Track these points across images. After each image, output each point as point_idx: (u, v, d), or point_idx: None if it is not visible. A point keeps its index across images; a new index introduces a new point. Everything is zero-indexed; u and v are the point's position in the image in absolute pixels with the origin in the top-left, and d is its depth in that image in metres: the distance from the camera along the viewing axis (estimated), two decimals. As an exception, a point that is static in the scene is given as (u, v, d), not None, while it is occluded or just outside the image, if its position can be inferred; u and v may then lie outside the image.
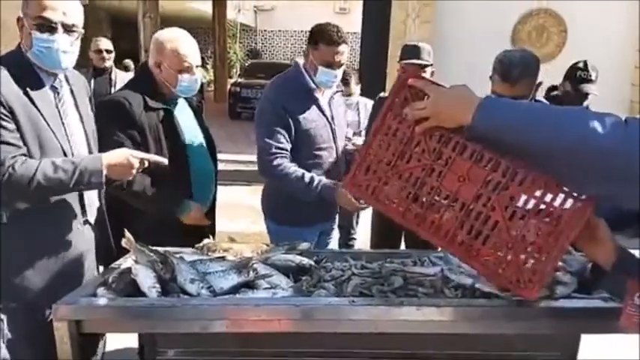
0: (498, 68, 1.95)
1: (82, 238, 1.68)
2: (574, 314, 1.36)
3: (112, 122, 1.83)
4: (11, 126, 1.46)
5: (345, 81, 3.34)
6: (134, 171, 1.61)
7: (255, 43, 21.21)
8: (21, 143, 1.48)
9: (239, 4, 17.63)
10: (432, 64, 2.73)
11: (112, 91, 3.95)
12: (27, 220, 1.55)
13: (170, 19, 14.15)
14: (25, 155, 1.48)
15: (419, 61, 2.66)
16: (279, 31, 21.86)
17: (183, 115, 2.01)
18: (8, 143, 1.45)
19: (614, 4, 6.35)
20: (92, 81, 3.91)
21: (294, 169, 2.05)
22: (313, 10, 18.97)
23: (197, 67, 1.94)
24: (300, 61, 2.16)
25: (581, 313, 1.36)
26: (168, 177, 1.86)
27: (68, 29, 1.55)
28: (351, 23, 13.19)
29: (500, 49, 2.05)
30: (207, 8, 14.34)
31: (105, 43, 4.09)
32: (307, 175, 2.04)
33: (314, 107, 2.12)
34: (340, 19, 19.48)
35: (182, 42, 1.92)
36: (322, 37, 2.03)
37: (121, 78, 4.15)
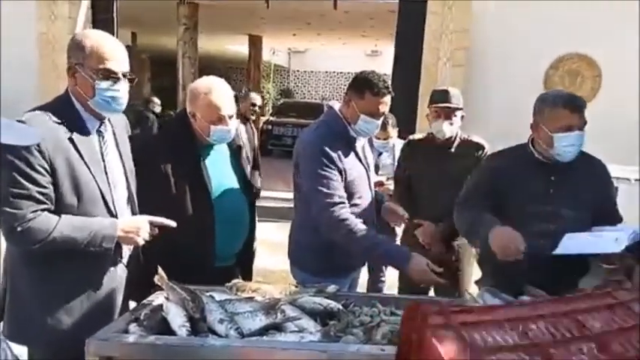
0: (559, 102, 1.88)
1: (114, 277, 1.72)
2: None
3: (138, 166, 1.85)
4: (45, 179, 1.52)
5: (382, 125, 3.37)
6: (140, 240, 1.67)
7: (288, 83, 21.78)
8: (46, 199, 1.53)
9: (274, 46, 18.22)
10: (462, 108, 2.74)
11: (255, 140, 4.46)
12: (57, 260, 1.60)
13: (208, 59, 14.75)
14: (48, 210, 1.54)
15: (448, 105, 2.68)
16: (311, 72, 22.44)
17: (218, 160, 2.02)
18: (32, 198, 1.51)
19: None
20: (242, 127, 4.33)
21: (360, 226, 1.94)
22: (345, 53, 19.46)
23: (231, 117, 1.94)
24: (335, 105, 2.14)
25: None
26: (190, 229, 1.86)
27: (126, 77, 1.65)
28: (382, 65, 13.43)
29: (532, 94, 2.04)
30: (243, 49, 14.87)
31: (258, 99, 4.53)
32: (371, 234, 1.97)
33: (353, 155, 2.09)
34: (372, 61, 19.84)
35: (215, 93, 1.92)
36: (369, 86, 1.99)
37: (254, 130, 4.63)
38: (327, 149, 1.98)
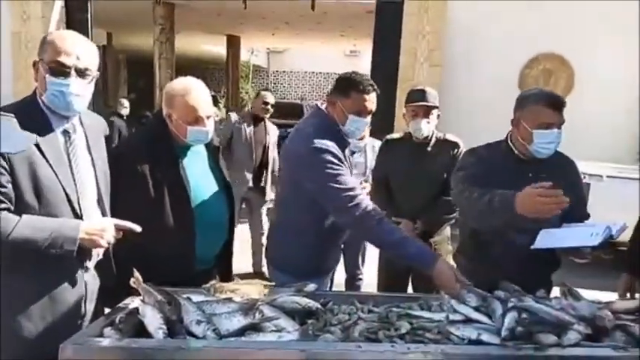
0: (540, 99, 1.91)
1: (80, 283, 1.67)
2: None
3: (114, 172, 1.81)
4: (4, 178, 1.48)
5: None
6: (104, 242, 1.61)
7: (267, 83, 21.70)
8: (5, 198, 1.49)
9: (253, 46, 18.14)
10: (438, 107, 2.78)
11: (267, 139, 4.46)
12: (26, 267, 1.56)
13: (185, 60, 14.61)
14: (8, 210, 1.49)
15: (425, 103, 2.71)
16: (291, 72, 22.42)
17: (196, 162, 2.00)
18: None
19: (621, 47, 6.46)
20: (252, 125, 4.40)
21: (385, 222, 1.91)
22: (324, 53, 19.50)
23: (208, 117, 1.91)
24: (321, 106, 2.10)
25: (590, 362, 1.34)
26: (169, 232, 1.85)
27: (81, 73, 1.59)
28: (362, 65, 13.50)
29: (507, 93, 2.08)
30: (221, 50, 14.78)
31: (271, 97, 4.50)
32: (399, 231, 1.95)
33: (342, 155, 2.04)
34: (350, 61, 19.93)
35: (192, 94, 1.89)
36: (354, 85, 1.98)
37: (271, 128, 4.61)
38: (329, 147, 1.93)
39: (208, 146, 2.06)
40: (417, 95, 2.78)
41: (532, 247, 1.83)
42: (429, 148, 2.79)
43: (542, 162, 1.97)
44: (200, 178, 1.97)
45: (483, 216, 1.88)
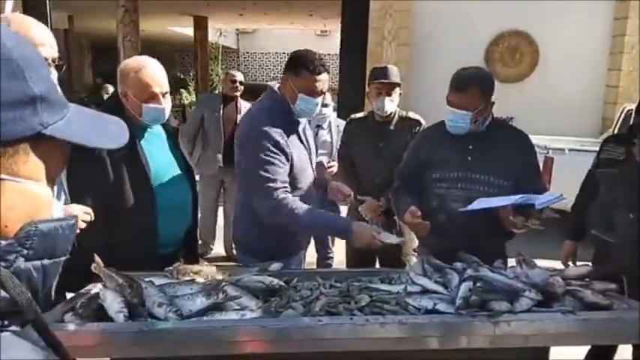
0: (452, 80, 2.05)
1: None
2: (532, 327, 1.40)
3: (72, 155, 1.79)
4: None
5: None
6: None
7: (238, 65, 21.37)
8: None
9: (221, 27, 17.81)
10: (399, 84, 2.80)
11: (238, 117, 4.27)
12: None
13: (151, 42, 14.24)
14: None
15: (388, 80, 2.74)
16: (262, 53, 22.11)
17: (155, 143, 1.97)
18: None
19: (585, 24, 6.60)
20: (222, 106, 4.31)
21: (298, 203, 1.92)
22: (294, 33, 19.27)
23: (164, 95, 1.89)
24: (274, 86, 2.08)
25: (539, 326, 1.40)
26: (131, 215, 1.84)
27: (55, 63, 1.58)
28: (332, 46, 13.40)
29: (489, 72, 2.14)
30: (188, 31, 14.46)
31: (239, 76, 4.45)
32: (316, 212, 1.97)
33: (295, 136, 2.06)
34: (321, 41, 19.75)
35: (146, 70, 1.86)
36: (305, 64, 1.96)
37: (245, 106, 4.46)
38: (270, 132, 1.94)
39: (167, 128, 2.03)
40: (379, 73, 2.79)
41: (461, 209, 1.94)
42: (391, 127, 2.82)
43: (485, 135, 2.05)
44: (159, 159, 1.94)
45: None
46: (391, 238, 1.83)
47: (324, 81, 2.00)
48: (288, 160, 1.97)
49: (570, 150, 5.17)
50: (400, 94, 2.81)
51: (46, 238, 0.55)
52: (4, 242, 0.53)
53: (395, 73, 2.78)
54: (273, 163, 1.92)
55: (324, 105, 3.44)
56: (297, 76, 1.98)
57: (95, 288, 1.57)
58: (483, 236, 1.92)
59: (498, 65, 6.82)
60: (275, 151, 1.93)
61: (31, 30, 1.53)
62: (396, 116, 2.82)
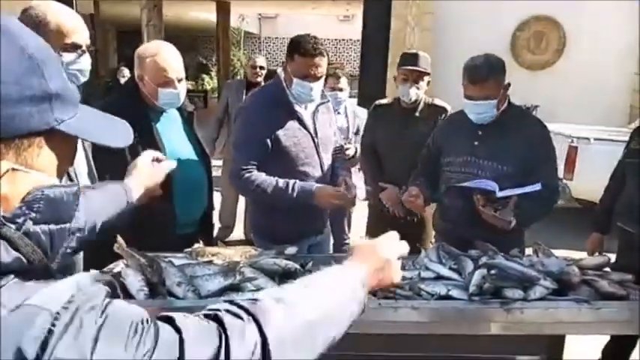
0: (465, 73, 2.03)
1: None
2: (545, 315, 1.40)
3: None
4: None
5: (335, 75, 3.34)
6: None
7: (259, 50, 21.38)
8: None
9: (243, 12, 17.79)
10: (429, 73, 2.74)
11: None
12: None
13: (173, 27, 14.33)
14: None
15: (417, 68, 2.67)
16: (283, 38, 22.06)
17: (170, 127, 2.02)
18: None
19: (613, 10, 6.40)
20: (244, 92, 4.28)
21: (263, 177, 2.02)
22: (317, 18, 19.14)
23: (180, 80, 1.93)
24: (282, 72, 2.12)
25: (553, 314, 1.40)
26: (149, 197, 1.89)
27: (89, 49, 1.66)
28: (355, 31, 13.25)
29: (499, 56, 2.11)
30: (210, 16, 14.49)
31: (260, 61, 4.44)
32: (281, 181, 2.01)
33: (295, 122, 2.07)
34: (344, 26, 19.60)
35: (162, 56, 1.90)
36: (297, 48, 1.98)
37: None
38: (253, 114, 2.03)
39: (182, 112, 2.07)
40: (408, 59, 2.71)
41: (453, 185, 2.02)
42: (416, 114, 2.76)
43: (497, 121, 2.05)
44: (175, 142, 1.99)
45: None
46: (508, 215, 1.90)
47: (318, 65, 1.99)
48: (264, 144, 2.02)
49: (596, 139, 5.05)
50: (429, 82, 2.74)
51: (52, 203, 0.59)
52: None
53: (425, 61, 2.70)
54: (249, 144, 2.04)
55: (339, 89, 3.43)
56: (292, 60, 2.01)
57: (118, 267, 1.62)
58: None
59: (524, 52, 6.69)
60: (255, 133, 2.02)
61: (64, 18, 1.58)
62: (422, 103, 2.76)
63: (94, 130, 0.67)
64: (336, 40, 21.22)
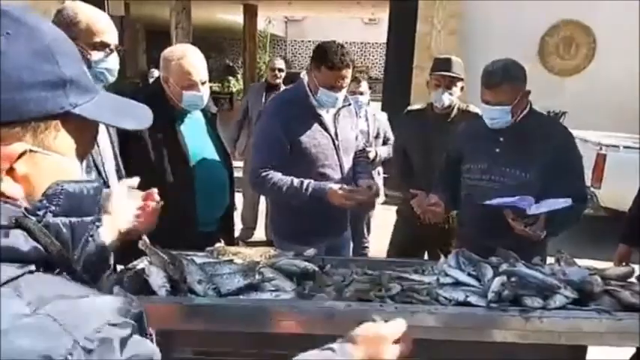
0: (482, 77, 2.02)
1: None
2: (565, 324, 1.38)
3: (121, 139, 1.89)
4: None
5: (356, 79, 3.38)
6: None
7: (285, 53, 21.52)
8: None
9: (270, 15, 17.95)
10: (462, 79, 2.68)
11: None
12: None
13: (201, 29, 14.55)
14: None
15: (450, 74, 2.62)
16: (309, 41, 22.14)
17: (194, 127, 2.07)
18: None
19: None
20: (264, 94, 4.39)
21: (279, 176, 2.05)
22: (343, 21, 19.17)
23: (203, 83, 1.98)
24: (306, 76, 2.15)
25: (572, 324, 1.39)
26: (170, 194, 1.93)
27: (118, 49, 1.71)
28: (380, 34, 13.23)
29: (527, 62, 2.09)
30: (238, 19, 14.67)
31: (279, 63, 4.55)
32: (296, 180, 2.04)
33: (316, 125, 2.12)
34: (370, 30, 19.59)
35: (187, 59, 1.95)
36: (325, 60, 2.01)
37: None
38: (274, 117, 2.07)
39: (206, 114, 2.12)
40: (441, 64, 2.67)
41: (482, 202, 1.96)
42: (449, 120, 2.69)
43: (519, 128, 2.03)
44: (198, 142, 2.05)
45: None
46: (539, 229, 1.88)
47: (345, 76, 2.04)
48: (284, 147, 2.07)
49: (625, 147, 4.94)
50: (462, 88, 2.69)
51: (72, 197, 0.62)
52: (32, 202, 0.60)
53: (458, 66, 2.65)
54: (267, 145, 2.09)
55: (360, 93, 3.45)
56: (318, 70, 2.04)
57: (141, 264, 1.67)
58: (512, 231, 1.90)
59: (553, 57, 6.57)
60: (273, 134, 2.06)
61: (94, 18, 1.65)
62: (456, 109, 2.70)
63: (111, 114, 0.69)
64: (361, 43, 21.22)
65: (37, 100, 0.59)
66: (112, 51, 1.67)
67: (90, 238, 0.67)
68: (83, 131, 0.66)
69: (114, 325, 0.56)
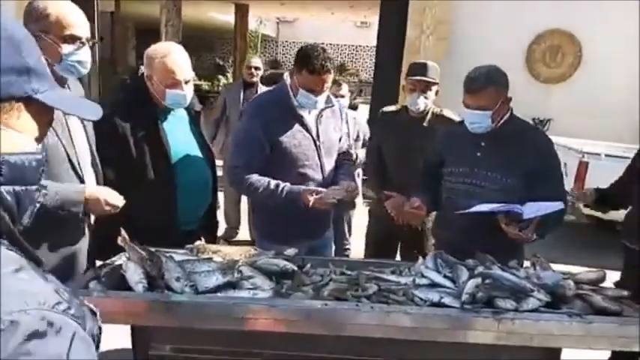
0: (464, 82, 2.05)
1: (83, 236, 1.78)
2: (536, 327, 1.41)
3: (96, 133, 1.88)
4: None
5: (336, 82, 3.43)
6: (108, 208, 1.71)
7: (276, 54, 21.51)
8: None
9: (262, 16, 17.93)
10: (437, 83, 2.71)
11: None
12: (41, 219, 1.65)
13: (192, 28, 14.49)
14: None
15: (425, 78, 2.65)
16: (300, 42, 22.12)
17: (177, 125, 2.06)
18: None
19: (631, 24, 6.34)
20: (242, 92, 4.43)
21: (256, 177, 2.06)
22: (335, 24, 19.21)
23: (187, 82, 1.98)
24: (289, 77, 2.17)
25: (544, 326, 1.41)
26: (152, 191, 1.93)
27: (89, 42, 1.70)
28: (372, 37, 13.28)
29: (514, 69, 2.12)
30: (229, 18, 14.63)
31: (255, 62, 4.58)
32: (272, 182, 2.05)
33: (297, 125, 2.12)
34: (361, 32, 19.64)
35: (171, 58, 1.94)
36: (307, 64, 2.02)
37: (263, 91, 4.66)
38: (254, 117, 2.09)
39: (189, 112, 2.12)
40: (417, 69, 2.70)
41: (460, 212, 1.96)
42: (424, 123, 2.73)
43: (500, 133, 2.05)
44: (180, 139, 2.04)
45: None
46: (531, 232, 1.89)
47: (325, 81, 2.06)
48: (262, 148, 2.09)
49: (607, 155, 5.00)
50: (437, 92, 2.72)
51: (14, 167, 0.66)
52: None
53: (434, 71, 2.68)
54: (245, 144, 2.12)
55: (340, 96, 3.48)
56: (299, 73, 2.06)
57: (119, 259, 1.67)
58: (499, 236, 1.92)
59: (539, 65, 6.65)
60: (251, 134, 2.08)
61: (64, 11, 1.64)
62: (430, 113, 2.74)
63: (68, 104, 0.78)
64: (353, 45, 21.28)
65: (3, 83, 0.65)
66: (83, 44, 1.66)
67: (37, 204, 0.71)
68: (41, 116, 0.72)
69: (26, 313, 0.56)
